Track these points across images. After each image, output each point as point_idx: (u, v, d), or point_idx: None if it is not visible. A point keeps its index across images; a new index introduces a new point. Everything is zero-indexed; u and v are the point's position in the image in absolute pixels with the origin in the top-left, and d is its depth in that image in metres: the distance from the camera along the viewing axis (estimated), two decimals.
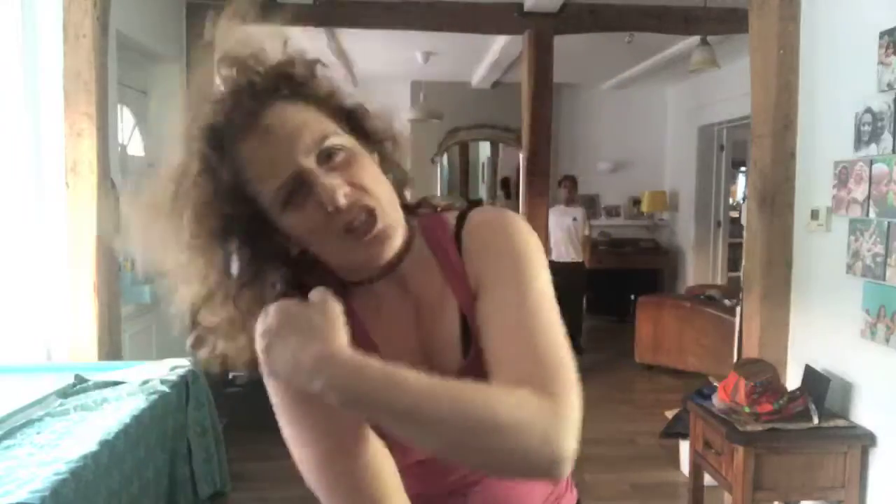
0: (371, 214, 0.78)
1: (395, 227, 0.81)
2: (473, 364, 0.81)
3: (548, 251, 6.21)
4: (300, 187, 0.76)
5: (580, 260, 6.18)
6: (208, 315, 0.80)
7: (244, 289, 0.80)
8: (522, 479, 0.86)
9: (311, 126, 0.78)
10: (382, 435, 0.78)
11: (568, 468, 0.71)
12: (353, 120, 0.84)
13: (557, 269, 6.54)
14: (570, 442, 0.70)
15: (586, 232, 6.25)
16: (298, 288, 0.81)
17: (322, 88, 0.82)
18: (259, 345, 0.72)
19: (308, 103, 0.80)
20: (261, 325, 0.72)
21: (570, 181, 6.38)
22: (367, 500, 0.76)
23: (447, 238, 0.87)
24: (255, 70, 0.79)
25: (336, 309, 0.72)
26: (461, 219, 0.88)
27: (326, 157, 0.78)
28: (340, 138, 0.80)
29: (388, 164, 0.86)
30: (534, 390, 0.71)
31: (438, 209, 0.93)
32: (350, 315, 0.77)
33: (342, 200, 0.76)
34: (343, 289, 0.83)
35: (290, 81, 0.80)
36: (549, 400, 0.71)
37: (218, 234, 0.78)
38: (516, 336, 0.77)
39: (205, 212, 0.77)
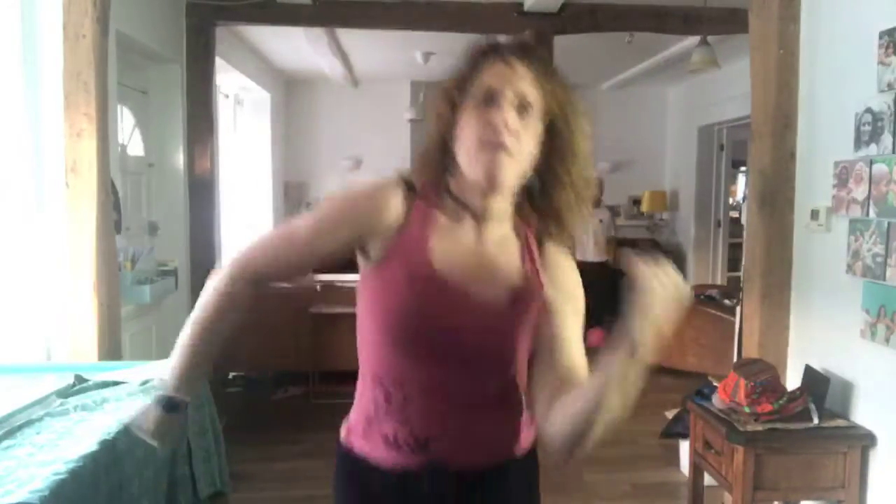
0: (508, 148, 1.05)
1: (514, 171, 1.08)
2: (523, 289, 1.12)
3: (573, 252, 6.28)
4: (494, 101, 1.06)
5: (604, 260, 6.26)
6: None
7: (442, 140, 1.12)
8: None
9: (532, 86, 1.08)
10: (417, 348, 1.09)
11: None
12: (553, 114, 1.11)
13: (583, 268, 6.74)
14: None
15: (612, 233, 6.32)
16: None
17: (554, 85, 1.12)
18: None
19: (542, 76, 1.10)
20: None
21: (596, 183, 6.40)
22: (281, 254, 1.16)
23: (531, 229, 1.18)
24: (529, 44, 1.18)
25: None
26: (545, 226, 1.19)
27: (522, 107, 1.07)
28: (537, 109, 1.08)
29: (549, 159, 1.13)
30: None
31: None
32: (422, 233, 1.10)
33: (510, 125, 1.05)
34: (433, 213, 1.12)
35: (539, 63, 1.12)
36: None
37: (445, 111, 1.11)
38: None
39: (446, 95, 1.11)
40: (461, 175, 1.11)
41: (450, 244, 1.11)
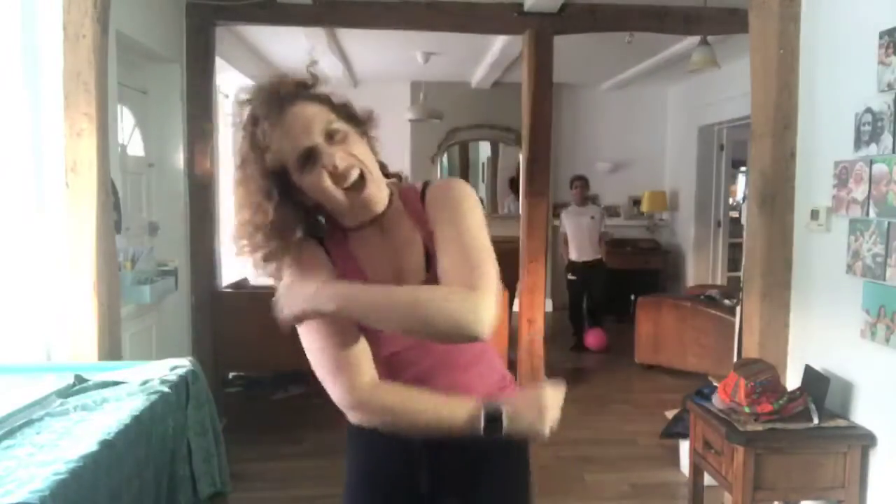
0: (362, 176, 1.18)
1: (380, 186, 1.21)
2: (432, 279, 1.19)
3: (567, 253, 6.28)
4: (312, 157, 1.14)
5: (600, 257, 6.26)
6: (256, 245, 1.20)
7: (277, 230, 1.17)
8: (457, 341, 1.16)
9: (319, 116, 1.16)
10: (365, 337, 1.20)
11: (484, 333, 1.08)
12: (348, 114, 1.22)
13: (580, 268, 6.66)
14: (484, 314, 1.07)
15: (603, 229, 6.31)
16: (313, 236, 1.26)
17: (327, 93, 1.20)
18: (280, 301, 1.13)
19: (316, 102, 1.18)
20: (280, 288, 1.15)
21: (582, 181, 6.41)
22: (352, 361, 1.17)
23: (416, 198, 1.28)
24: (282, 82, 1.17)
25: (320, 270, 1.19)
26: (425, 186, 1.29)
27: (329, 136, 1.16)
28: (339, 124, 1.18)
29: (373, 146, 1.26)
30: (461, 285, 1.10)
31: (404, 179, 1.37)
32: (347, 254, 1.25)
33: (340, 164, 1.14)
34: (343, 235, 1.26)
35: (306, 89, 1.19)
36: (469, 289, 1.09)
37: (263, 193, 1.16)
38: (455, 253, 1.15)
39: (253, 177, 1.16)
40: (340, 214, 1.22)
41: (369, 253, 1.25)
